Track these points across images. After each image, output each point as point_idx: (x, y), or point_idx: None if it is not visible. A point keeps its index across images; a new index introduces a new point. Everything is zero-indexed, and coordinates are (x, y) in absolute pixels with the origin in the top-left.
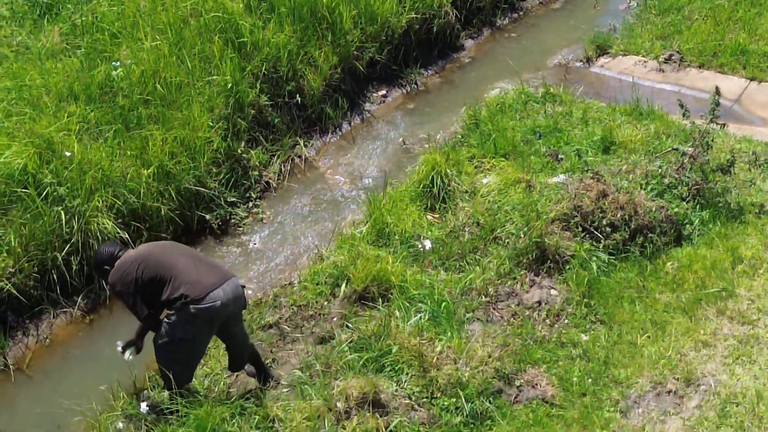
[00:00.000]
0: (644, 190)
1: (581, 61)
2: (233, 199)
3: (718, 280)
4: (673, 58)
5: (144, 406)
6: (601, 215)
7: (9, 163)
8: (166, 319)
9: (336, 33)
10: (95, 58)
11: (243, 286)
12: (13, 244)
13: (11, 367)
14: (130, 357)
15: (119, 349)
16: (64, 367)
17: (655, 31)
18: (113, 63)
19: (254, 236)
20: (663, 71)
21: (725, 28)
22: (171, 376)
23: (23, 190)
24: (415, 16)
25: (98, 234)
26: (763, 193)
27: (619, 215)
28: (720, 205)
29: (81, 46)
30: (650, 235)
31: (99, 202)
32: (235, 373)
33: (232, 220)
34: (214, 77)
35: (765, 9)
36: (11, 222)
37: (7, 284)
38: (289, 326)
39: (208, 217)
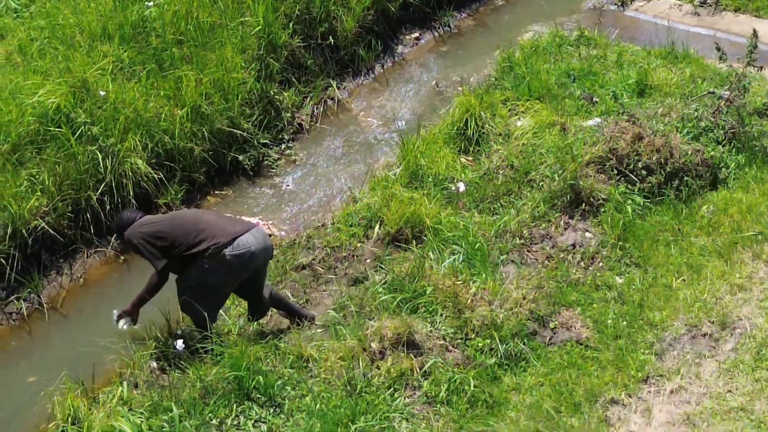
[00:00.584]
0: (680, 133)
1: (615, 4)
2: (266, 141)
3: (753, 224)
4: (708, 1)
5: (180, 344)
6: (636, 158)
7: (43, 102)
8: (197, 267)
9: None
10: None
11: (270, 235)
12: (47, 183)
13: (45, 306)
14: (125, 327)
15: (114, 318)
16: (99, 307)
17: None
18: (146, 3)
19: (287, 178)
20: (698, 15)
21: None
22: (195, 319)
23: (57, 129)
24: None
25: (131, 174)
26: None
27: (654, 158)
28: (756, 149)
29: None
30: (686, 178)
31: (133, 142)
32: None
33: (265, 162)
34: (247, 18)
35: None
36: (45, 161)
37: (41, 223)
38: (322, 267)
39: (241, 158)
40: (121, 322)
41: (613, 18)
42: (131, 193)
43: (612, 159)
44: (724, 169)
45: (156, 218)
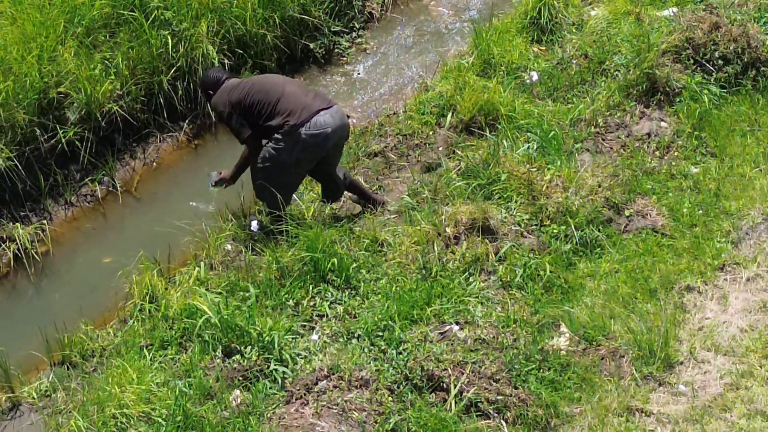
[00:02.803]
0: (757, 23)
1: None
2: (337, 29)
3: None
4: None
5: (255, 225)
6: (713, 47)
7: None
8: (272, 143)
9: None
10: None
11: (348, 116)
12: (120, 66)
13: (119, 188)
14: (215, 190)
15: (210, 180)
16: (172, 190)
17: None
18: None
19: (358, 66)
20: None
21: None
22: (269, 202)
23: (130, 13)
24: None
25: (203, 60)
26: None
27: (731, 48)
28: None
29: None
30: (763, 68)
31: (204, 28)
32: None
33: (336, 50)
34: None
35: None
36: (119, 45)
37: (114, 107)
38: (395, 155)
39: (312, 45)
40: (215, 188)
41: None
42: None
43: (688, 48)
44: None
45: (241, 84)
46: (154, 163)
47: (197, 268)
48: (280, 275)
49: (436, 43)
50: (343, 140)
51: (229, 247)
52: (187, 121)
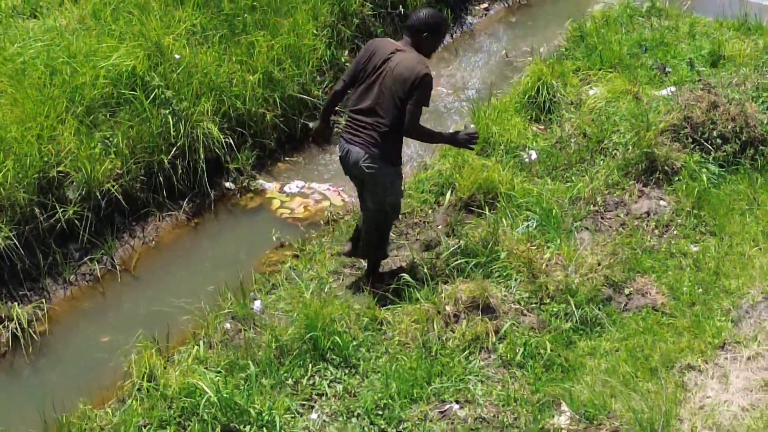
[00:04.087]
0: (755, 102)
1: None
2: (337, 108)
3: None
4: None
5: (258, 305)
6: (711, 127)
7: (118, 65)
8: None
9: None
10: None
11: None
12: (120, 146)
13: (118, 268)
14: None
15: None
16: (171, 269)
17: None
18: None
19: None
20: None
21: None
22: None
23: (131, 92)
24: None
25: (203, 138)
26: None
27: (729, 127)
28: None
29: None
30: (761, 147)
31: (205, 107)
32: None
33: (336, 129)
34: None
35: None
36: (119, 124)
37: (114, 185)
38: (394, 233)
39: (311, 125)
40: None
41: None
42: (202, 157)
43: (687, 127)
44: None
45: None
46: (153, 242)
47: (196, 347)
48: (280, 354)
49: (435, 122)
50: (360, 176)
51: (228, 325)
52: (186, 199)
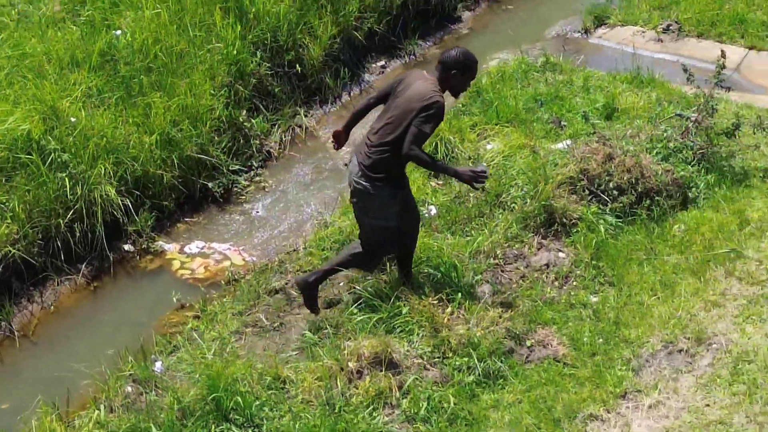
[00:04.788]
0: (650, 153)
1: (579, 32)
2: (235, 168)
3: (725, 242)
4: (671, 28)
5: (159, 366)
6: (607, 178)
7: (13, 129)
8: None
9: (335, 3)
10: (96, 26)
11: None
12: (17, 210)
13: (16, 333)
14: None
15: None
16: (70, 334)
17: (652, 2)
18: (114, 32)
19: (257, 204)
20: (661, 41)
21: None
22: None
23: (27, 156)
24: None
25: (101, 201)
26: (767, 157)
27: (625, 178)
28: (725, 168)
29: (81, 14)
30: (657, 198)
31: (102, 169)
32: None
33: (235, 189)
34: (215, 46)
35: None
36: (15, 188)
37: (11, 250)
38: (295, 291)
39: (210, 185)
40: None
41: (577, 45)
42: (100, 220)
43: (583, 179)
44: (694, 189)
45: None
46: (52, 307)
47: (97, 411)
48: (182, 415)
49: (335, 180)
50: (356, 201)
51: (129, 388)
52: (85, 263)
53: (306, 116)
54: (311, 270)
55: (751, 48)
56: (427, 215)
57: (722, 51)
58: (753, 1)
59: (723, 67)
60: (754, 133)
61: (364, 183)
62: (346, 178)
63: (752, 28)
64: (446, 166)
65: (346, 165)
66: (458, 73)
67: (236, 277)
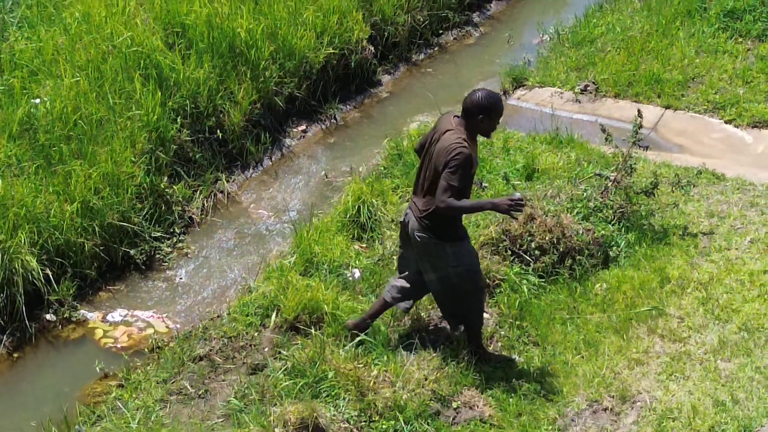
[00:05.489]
0: (570, 213)
1: (498, 93)
2: (158, 235)
3: (647, 300)
4: (588, 89)
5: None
6: (529, 239)
7: None
8: None
9: (255, 69)
10: (15, 95)
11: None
12: None
13: None
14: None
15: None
16: None
17: (569, 64)
18: (34, 100)
19: (180, 271)
20: (579, 102)
21: (638, 58)
22: None
23: None
24: (332, 51)
25: (22, 271)
26: (686, 215)
27: (547, 238)
28: (645, 227)
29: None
30: (578, 257)
31: (22, 238)
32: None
33: (157, 256)
34: (136, 113)
35: (676, 39)
36: None
37: None
38: (220, 357)
39: (132, 252)
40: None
41: None
42: (21, 290)
43: (506, 240)
44: (614, 248)
45: None
46: None
47: None
48: None
49: (257, 245)
50: (415, 247)
51: None
52: (5, 334)
53: (228, 182)
54: (234, 337)
55: (667, 107)
56: (350, 278)
57: (639, 110)
58: (668, 61)
59: (640, 126)
60: (673, 191)
61: (423, 236)
62: (400, 230)
63: (668, 88)
64: (482, 203)
65: (402, 222)
66: (485, 117)
67: (160, 344)
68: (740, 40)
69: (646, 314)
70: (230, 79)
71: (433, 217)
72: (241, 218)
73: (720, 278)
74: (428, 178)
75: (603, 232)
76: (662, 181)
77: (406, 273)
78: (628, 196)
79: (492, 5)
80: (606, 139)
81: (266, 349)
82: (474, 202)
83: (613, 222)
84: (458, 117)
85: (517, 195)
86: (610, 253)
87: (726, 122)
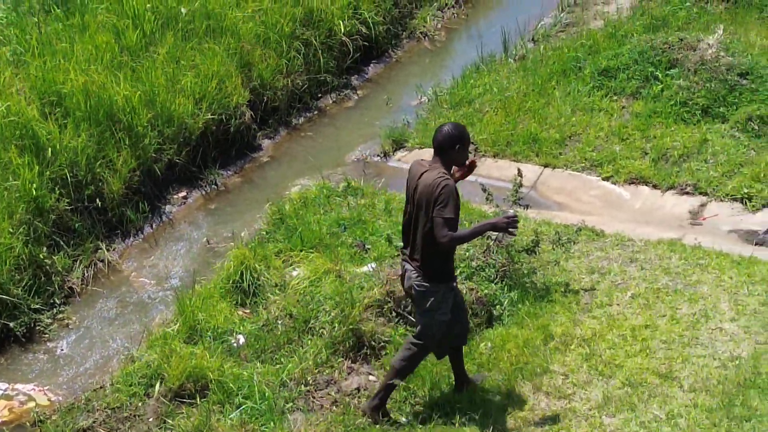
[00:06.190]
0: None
1: (379, 155)
2: (37, 306)
3: (531, 357)
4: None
5: None
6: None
7: None
8: None
9: (133, 136)
10: None
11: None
12: None
13: None
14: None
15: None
16: None
17: None
18: None
19: (61, 342)
20: None
21: (516, 118)
22: None
23: None
24: (211, 117)
25: None
26: (567, 272)
27: None
28: (527, 285)
29: None
30: None
31: None
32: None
33: (38, 327)
34: (12, 183)
35: (552, 98)
36: None
37: None
38: (104, 429)
39: (11, 324)
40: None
41: (378, 169)
42: None
43: (390, 302)
44: (498, 306)
45: None
46: None
47: None
48: None
49: (140, 314)
50: (409, 293)
51: None
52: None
53: (108, 250)
54: (117, 408)
55: (546, 165)
56: (235, 345)
57: (519, 169)
58: (545, 120)
59: (520, 185)
60: (554, 249)
61: (424, 284)
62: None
63: (546, 147)
64: (481, 226)
65: (401, 275)
66: (461, 147)
67: (42, 418)
68: (615, 98)
69: (531, 372)
70: (109, 147)
71: (431, 260)
72: (122, 287)
73: (602, 334)
74: (421, 225)
75: (486, 291)
76: (543, 239)
77: None
78: (510, 255)
79: (370, 68)
80: (487, 198)
81: (151, 420)
82: (473, 228)
83: (495, 281)
84: (425, 160)
85: (511, 212)
86: (494, 311)
87: (604, 179)
